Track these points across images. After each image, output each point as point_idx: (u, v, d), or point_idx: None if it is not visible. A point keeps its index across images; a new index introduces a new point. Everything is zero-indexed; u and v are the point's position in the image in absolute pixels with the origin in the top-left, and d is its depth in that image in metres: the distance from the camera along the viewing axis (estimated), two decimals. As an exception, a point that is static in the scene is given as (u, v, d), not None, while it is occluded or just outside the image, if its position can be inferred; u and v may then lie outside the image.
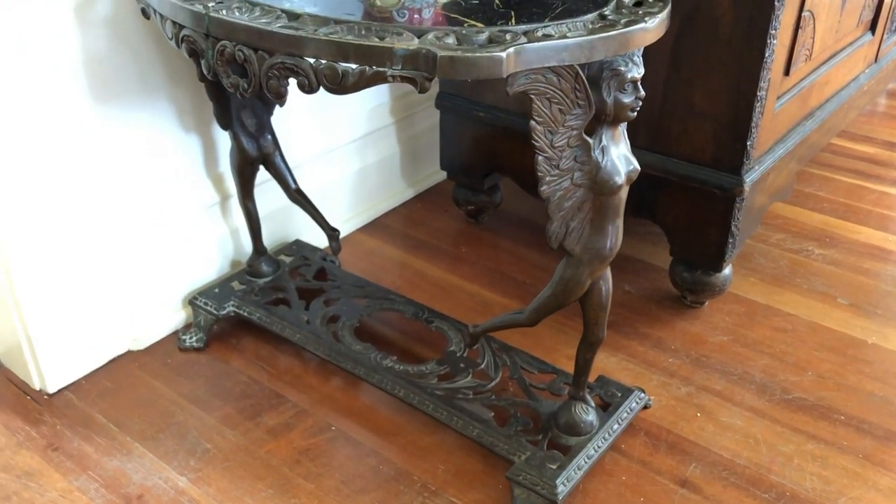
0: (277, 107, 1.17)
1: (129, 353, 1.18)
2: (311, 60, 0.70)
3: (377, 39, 0.68)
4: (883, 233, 1.49)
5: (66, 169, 1.04)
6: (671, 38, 1.09)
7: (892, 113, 2.01)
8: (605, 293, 0.90)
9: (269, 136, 1.16)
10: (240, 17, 0.74)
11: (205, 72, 0.80)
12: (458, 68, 0.65)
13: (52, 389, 1.11)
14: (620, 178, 0.80)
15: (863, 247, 1.45)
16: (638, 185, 1.18)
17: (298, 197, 1.22)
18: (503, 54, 0.65)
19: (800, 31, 1.12)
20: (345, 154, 1.47)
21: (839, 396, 1.11)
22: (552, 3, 0.78)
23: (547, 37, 0.68)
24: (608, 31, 0.70)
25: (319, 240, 1.37)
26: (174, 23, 0.81)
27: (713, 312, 1.28)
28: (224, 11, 0.75)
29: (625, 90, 0.75)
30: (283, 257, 1.32)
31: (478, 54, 0.64)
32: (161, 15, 0.83)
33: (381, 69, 0.68)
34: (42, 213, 1.03)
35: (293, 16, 0.74)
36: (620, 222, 0.84)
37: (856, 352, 1.19)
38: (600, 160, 0.78)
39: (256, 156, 1.15)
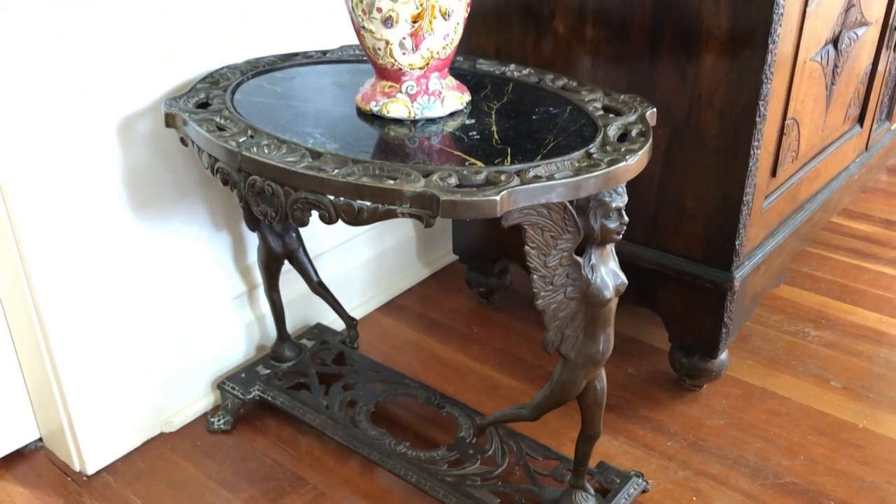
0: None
1: (162, 434, 1.27)
2: (332, 197, 0.80)
3: (390, 182, 0.77)
4: (878, 314, 1.55)
5: (107, 264, 1.14)
6: (663, 146, 1.18)
7: (891, 190, 2.09)
8: (599, 392, 0.97)
9: (294, 234, 1.26)
10: (268, 156, 0.84)
11: (237, 199, 0.90)
12: (458, 209, 0.74)
13: (90, 471, 1.19)
14: (609, 292, 0.88)
15: (857, 328, 1.51)
16: (638, 277, 1.27)
17: (320, 289, 1.32)
18: (497, 198, 0.74)
19: (784, 136, 1.21)
20: (363, 241, 1.56)
21: (829, 481, 1.17)
22: (544, 138, 0.87)
23: (537, 178, 0.77)
24: (593, 171, 0.79)
25: (339, 323, 1.46)
26: (210, 155, 0.91)
27: (711, 395, 1.34)
28: (255, 149, 0.86)
29: (610, 217, 0.84)
30: (304, 341, 1.41)
31: (475, 198, 0.74)
32: (198, 146, 0.93)
33: (392, 207, 0.77)
34: (84, 306, 1.13)
35: (316, 154, 0.84)
36: (611, 330, 0.92)
37: (847, 435, 1.25)
38: (590, 277, 0.87)
39: (282, 252, 1.25)
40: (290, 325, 1.40)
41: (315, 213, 0.83)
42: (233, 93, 1.03)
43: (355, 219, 0.80)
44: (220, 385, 1.30)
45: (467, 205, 0.74)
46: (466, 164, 0.82)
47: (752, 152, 1.11)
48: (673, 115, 1.16)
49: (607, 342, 0.92)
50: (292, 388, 1.29)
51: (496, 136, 0.89)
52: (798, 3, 1.09)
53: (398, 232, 1.64)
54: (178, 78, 1.14)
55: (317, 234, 1.43)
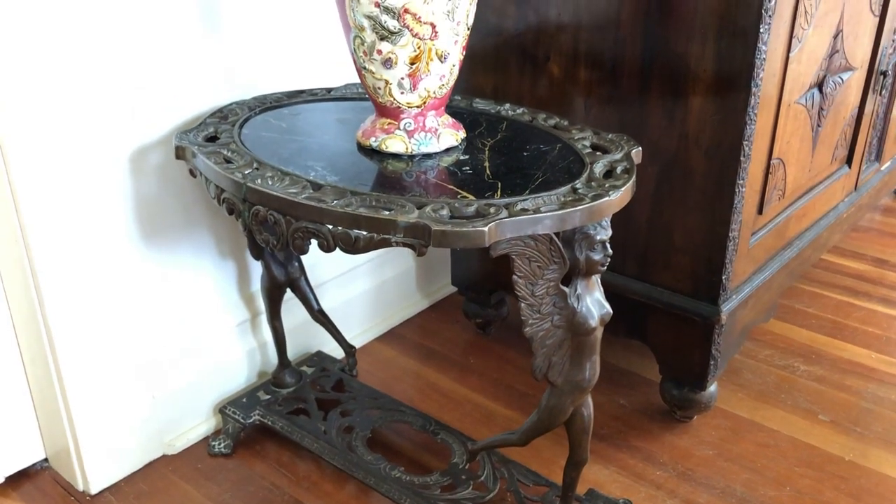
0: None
1: (164, 457, 1.30)
2: (330, 227, 0.85)
3: (385, 212, 0.82)
4: (867, 350, 1.58)
5: (116, 290, 1.18)
6: (653, 183, 1.23)
7: (883, 229, 2.12)
8: (586, 418, 1.01)
9: (296, 263, 1.30)
10: (272, 187, 0.89)
11: (241, 228, 0.94)
12: (449, 239, 0.79)
13: (94, 491, 1.23)
14: (594, 321, 0.92)
15: (847, 364, 1.54)
16: (629, 310, 1.31)
17: (320, 317, 1.36)
18: (485, 229, 0.78)
19: (770, 175, 1.25)
20: (364, 271, 1.61)
21: (815, 512, 1.19)
22: (533, 174, 0.92)
23: (524, 211, 0.82)
24: (577, 206, 0.83)
25: (339, 351, 1.50)
26: (217, 186, 0.96)
27: (701, 426, 1.37)
28: (259, 180, 0.90)
29: (594, 249, 0.88)
30: (305, 368, 1.44)
31: (464, 229, 0.78)
32: (206, 177, 0.98)
33: (386, 236, 0.82)
34: (92, 330, 1.17)
35: (317, 186, 0.89)
36: (597, 357, 0.95)
37: (833, 468, 1.28)
38: (576, 306, 0.91)
39: (284, 281, 1.30)
40: (291, 353, 1.44)
41: (314, 242, 0.88)
42: (240, 127, 1.09)
43: (352, 247, 0.84)
44: (222, 409, 1.33)
45: (457, 235, 0.78)
46: (459, 197, 0.87)
47: (737, 190, 1.15)
48: (661, 154, 1.20)
49: (593, 370, 0.95)
50: (292, 414, 1.32)
51: (488, 171, 0.94)
52: (780, 49, 1.14)
53: (398, 263, 1.69)
54: (189, 113, 1.20)
55: (319, 264, 1.48)
